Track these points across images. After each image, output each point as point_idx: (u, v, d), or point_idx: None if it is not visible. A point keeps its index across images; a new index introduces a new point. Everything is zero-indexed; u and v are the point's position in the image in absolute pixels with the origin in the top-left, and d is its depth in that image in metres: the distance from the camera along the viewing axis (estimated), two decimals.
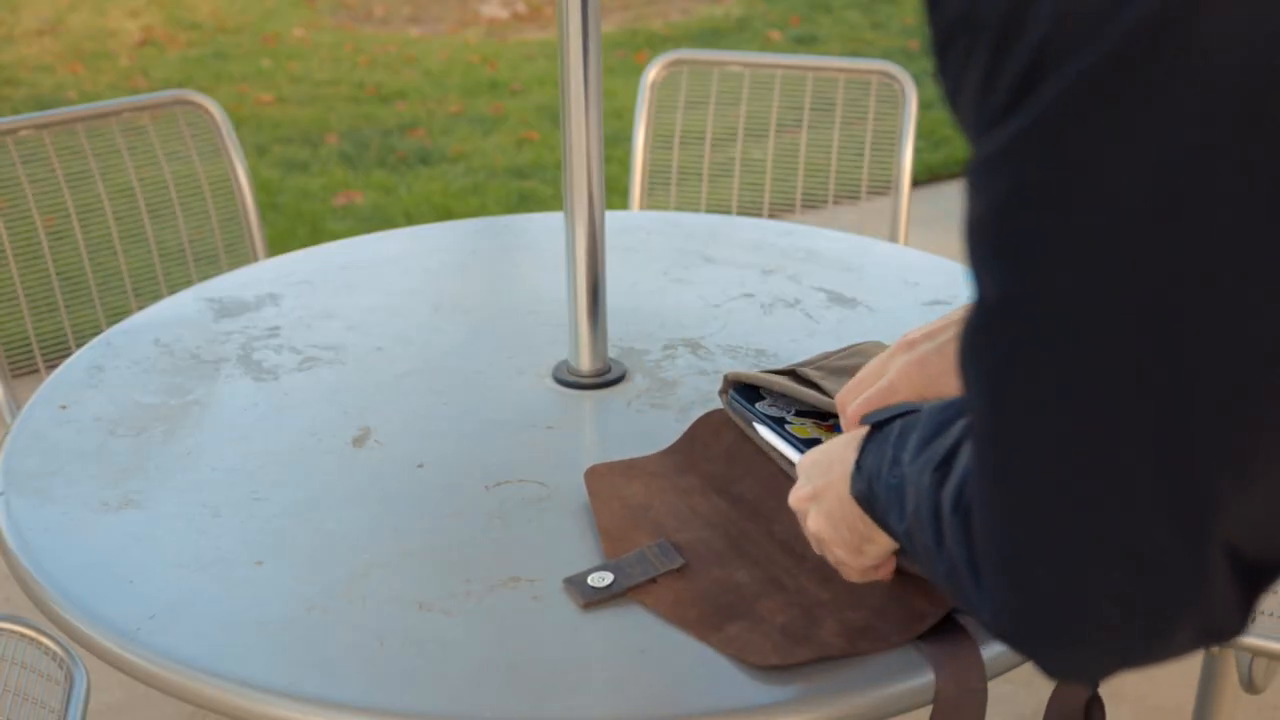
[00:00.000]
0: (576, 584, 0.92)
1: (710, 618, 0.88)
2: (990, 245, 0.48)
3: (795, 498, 0.84)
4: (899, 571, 0.86)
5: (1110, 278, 0.45)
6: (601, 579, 0.92)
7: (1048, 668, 0.57)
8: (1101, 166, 0.43)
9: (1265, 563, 0.51)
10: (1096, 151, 0.43)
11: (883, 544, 0.79)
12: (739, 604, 0.89)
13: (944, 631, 0.86)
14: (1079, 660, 0.56)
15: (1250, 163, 0.41)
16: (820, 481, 0.81)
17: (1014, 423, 0.51)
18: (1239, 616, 0.52)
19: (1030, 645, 0.56)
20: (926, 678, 0.83)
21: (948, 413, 0.67)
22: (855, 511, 0.77)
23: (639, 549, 0.95)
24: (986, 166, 0.47)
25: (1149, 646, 0.54)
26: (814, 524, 0.82)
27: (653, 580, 0.92)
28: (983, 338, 0.51)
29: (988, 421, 0.53)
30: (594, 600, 0.90)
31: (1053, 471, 0.50)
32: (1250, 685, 1.47)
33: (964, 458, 0.62)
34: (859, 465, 0.75)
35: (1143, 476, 0.48)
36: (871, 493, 0.74)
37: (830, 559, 0.84)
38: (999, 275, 0.49)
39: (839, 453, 0.80)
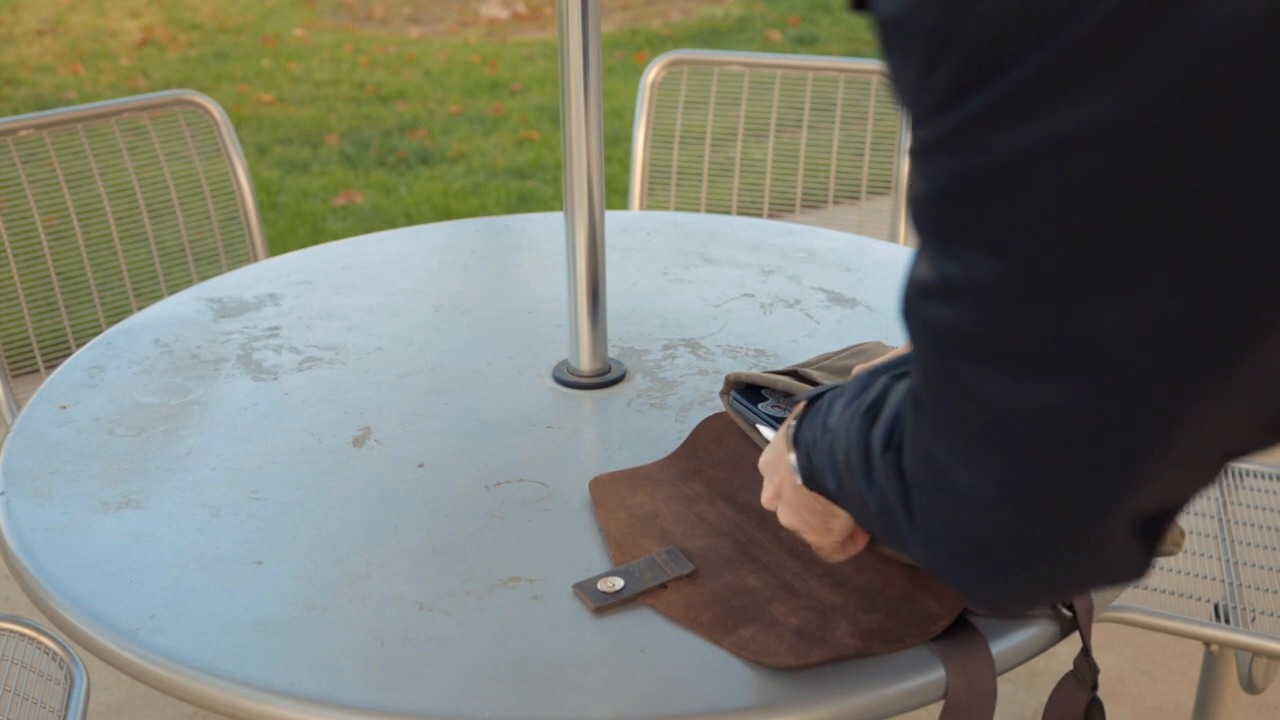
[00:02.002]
0: (586, 589, 0.92)
1: (723, 621, 0.88)
2: (930, 224, 0.52)
3: (764, 499, 0.88)
4: (891, 559, 0.89)
5: (1029, 266, 0.48)
6: (612, 584, 0.92)
7: (974, 599, 0.62)
8: (1022, 167, 0.46)
9: (1162, 513, 0.56)
10: (1018, 154, 0.46)
11: (843, 516, 0.83)
12: (752, 608, 0.89)
13: (954, 630, 0.86)
14: (1003, 594, 0.61)
15: (1150, 175, 0.44)
16: (776, 478, 0.85)
17: (945, 388, 0.56)
18: (1143, 562, 0.58)
19: (958, 579, 0.62)
20: (933, 675, 0.83)
21: (873, 375, 0.72)
22: (809, 494, 0.81)
23: (649, 555, 0.95)
24: (925, 151, 0.51)
25: (1066, 587, 0.61)
26: (784, 519, 0.86)
27: (663, 585, 0.92)
28: (926, 303, 0.55)
29: (928, 381, 0.57)
30: (605, 605, 0.90)
31: (981, 435, 0.55)
32: (1250, 685, 1.47)
33: (892, 402, 0.67)
34: (797, 442, 0.80)
35: (1059, 455, 0.53)
36: (811, 464, 0.78)
37: (812, 545, 0.87)
38: (938, 251, 0.52)
39: (779, 445, 0.84)
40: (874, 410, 0.69)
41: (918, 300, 0.55)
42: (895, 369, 0.71)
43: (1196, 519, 1.61)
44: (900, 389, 0.67)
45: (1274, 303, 0.45)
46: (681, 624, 0.88)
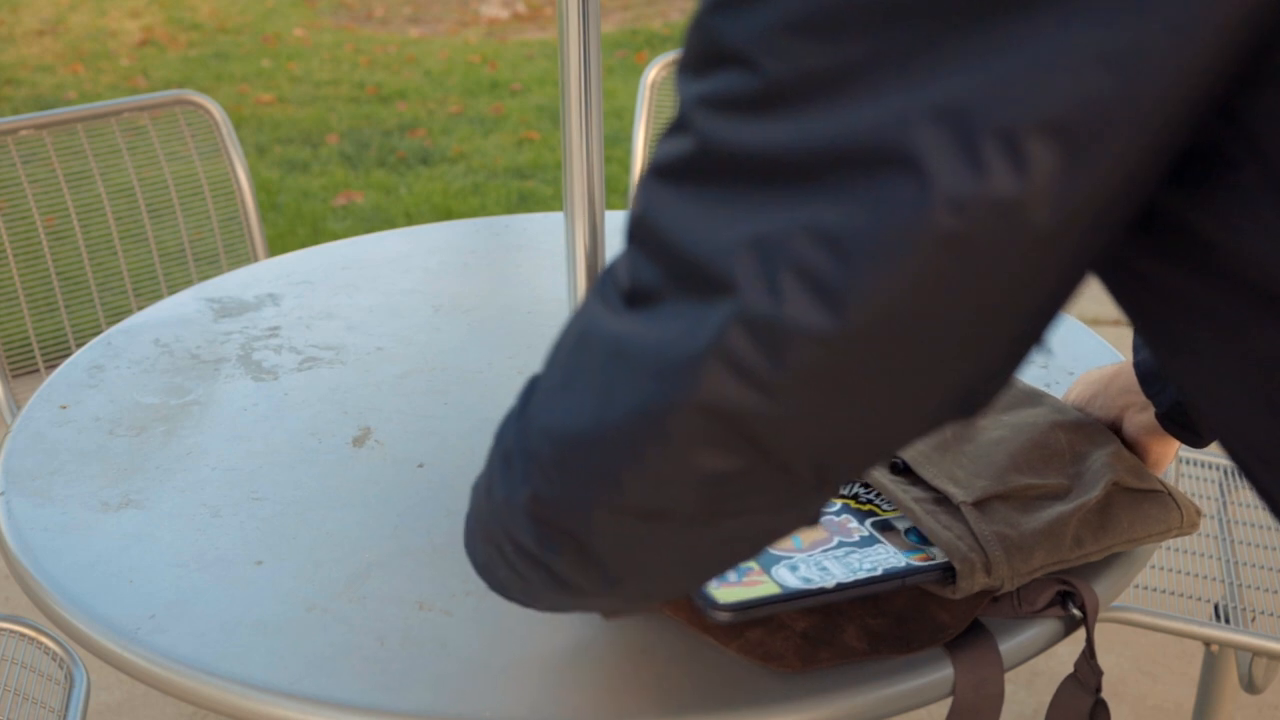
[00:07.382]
0: None
1: (730, 625, 0.87)
2: (689, 51, 0.53)
3: None
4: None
5: (769, 74, 0.49)
6: None
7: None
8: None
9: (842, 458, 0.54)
10: None
11: None
12: None
13: (965, 631, 0.85)
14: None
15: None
16: None
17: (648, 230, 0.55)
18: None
19: (545, 526, 0.60)
20: (938, 674, 0.83)
21: None
22: None
23: None
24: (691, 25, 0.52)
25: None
26: None
27: None
28: (663, 143, 0.54)
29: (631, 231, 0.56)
30: (614, 612, 0.90)
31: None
32: (1250, 685, 1.47)
33: None
34: None
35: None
36: None
37: None
38: (690, 80, 0.52)
39: None
40: None
41: (658, 145, 0.55)
42: None
43: None
44: None
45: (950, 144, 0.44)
46: (689, 628, 0.88)
